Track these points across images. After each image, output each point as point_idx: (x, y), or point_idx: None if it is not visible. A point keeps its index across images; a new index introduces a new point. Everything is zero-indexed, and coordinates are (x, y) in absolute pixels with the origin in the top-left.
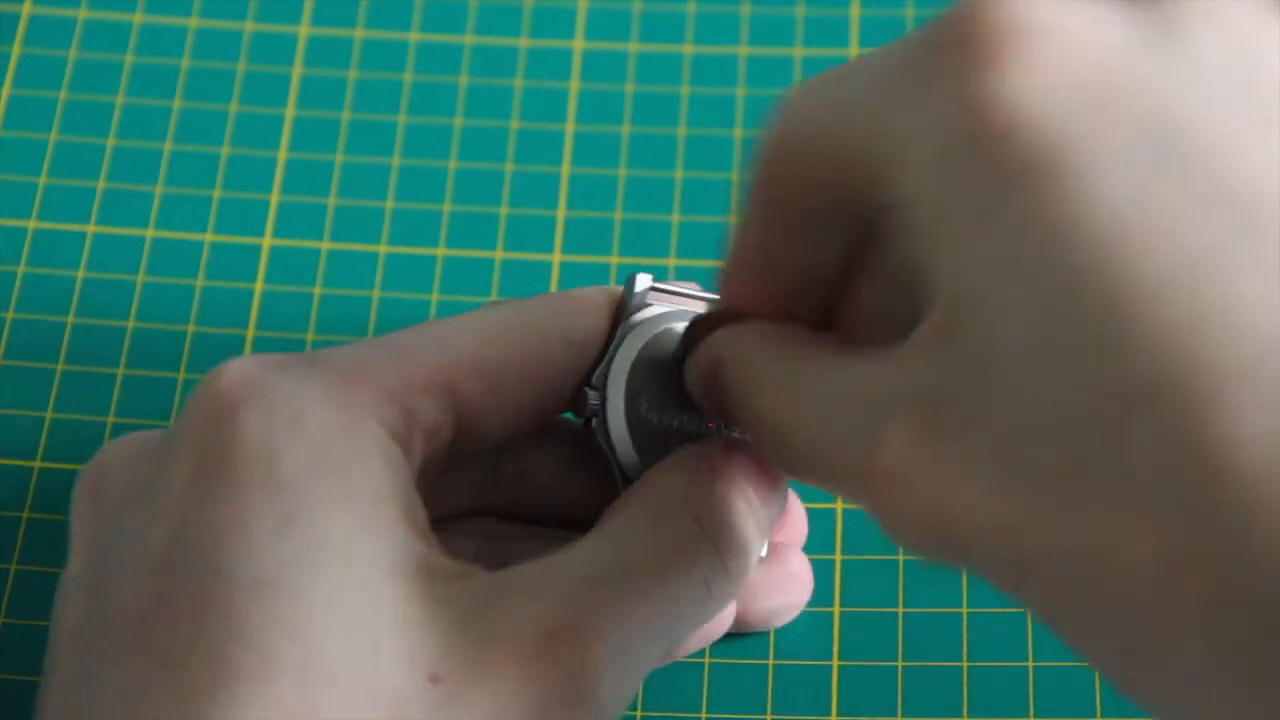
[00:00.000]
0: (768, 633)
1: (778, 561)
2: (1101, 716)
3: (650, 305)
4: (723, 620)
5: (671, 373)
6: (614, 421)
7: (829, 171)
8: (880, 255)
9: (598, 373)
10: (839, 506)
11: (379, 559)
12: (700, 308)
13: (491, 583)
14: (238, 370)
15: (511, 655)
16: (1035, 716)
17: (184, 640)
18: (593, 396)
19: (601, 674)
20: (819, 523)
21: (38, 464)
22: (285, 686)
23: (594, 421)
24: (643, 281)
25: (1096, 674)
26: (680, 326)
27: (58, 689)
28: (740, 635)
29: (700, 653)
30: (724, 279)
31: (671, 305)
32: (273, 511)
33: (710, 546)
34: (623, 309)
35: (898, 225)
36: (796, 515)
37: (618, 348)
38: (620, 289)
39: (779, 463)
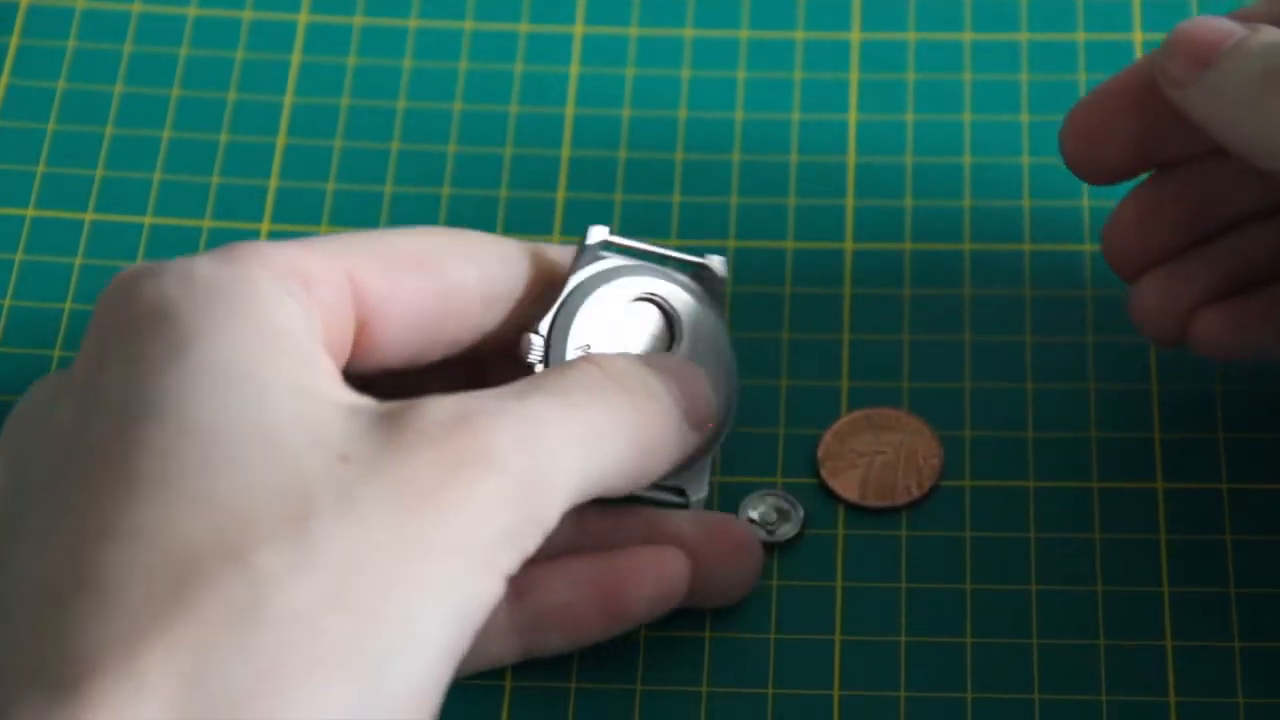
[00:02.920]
0: (770, 607)
1: (722, 534)
2: (1106, 693)
3: (604, 258)
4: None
5: (621, 322)
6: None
7: None
8: None
9: (544, 320)
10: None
11: (279, 377)
12: (652, 266)
13: (402, 402)
14: (130, 266)
15: (420, 435)
16: (1039, 692)
17: (90, 473)
18: (535, 342)
19: (508, 448)
20: (821, 505)
21: None
22: (187, 482)
23: (538, 368)
24: (596, 234)
25: (1100, 652)
26: (631, 281)
27: None
28: (738, 612)
29: (701, 626)
30: None
31: (625, 260)
32: (163, 345)
33: (614, 385)
34: (576, 260)
35: None
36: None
37: (567, 296)
38: (549, 248)
39: None
